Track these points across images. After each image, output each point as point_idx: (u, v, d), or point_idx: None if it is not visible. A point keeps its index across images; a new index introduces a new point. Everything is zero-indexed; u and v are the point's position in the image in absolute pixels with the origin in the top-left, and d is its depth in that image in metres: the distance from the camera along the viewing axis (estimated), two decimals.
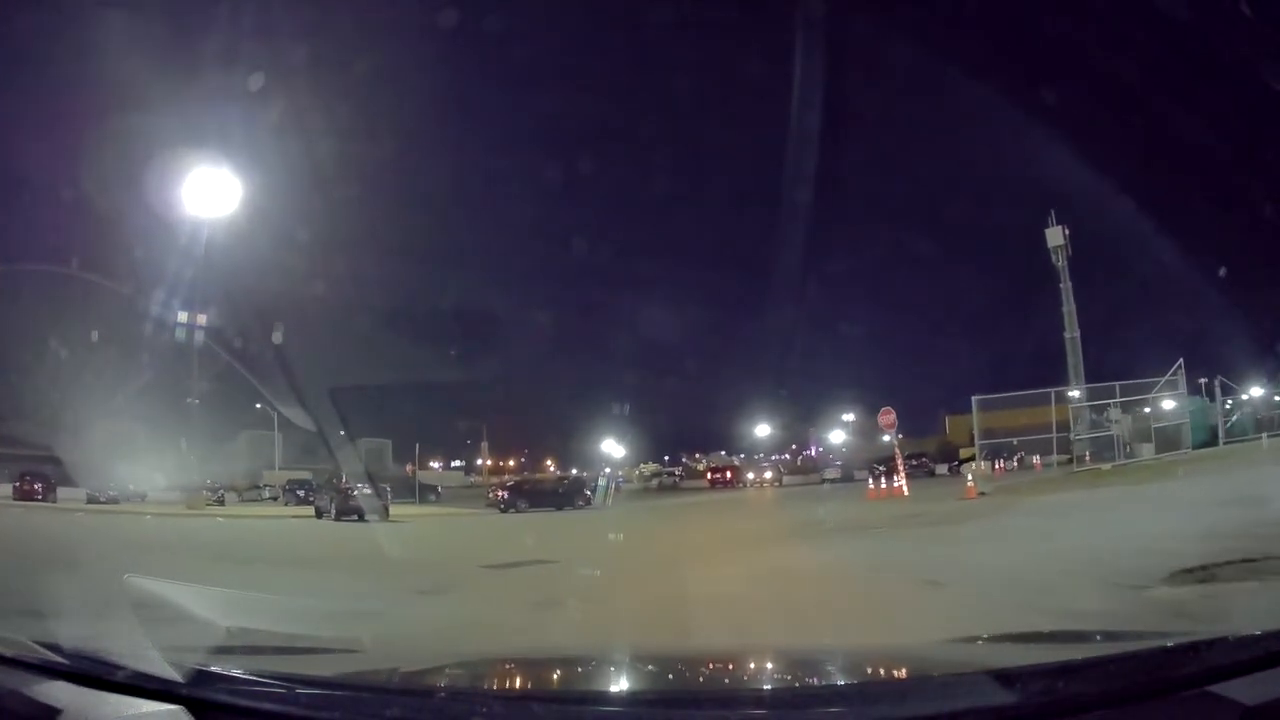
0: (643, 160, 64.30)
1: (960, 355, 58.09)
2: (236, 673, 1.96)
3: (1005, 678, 1.87)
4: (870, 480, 26.74)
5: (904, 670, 2.58)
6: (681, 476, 57.04)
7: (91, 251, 29.63)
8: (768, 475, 50.40)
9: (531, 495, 29.62)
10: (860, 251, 64.64)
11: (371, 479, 28.67)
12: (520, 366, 57.15)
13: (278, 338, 25.40)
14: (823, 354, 61.79)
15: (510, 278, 68.75)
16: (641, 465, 57.89)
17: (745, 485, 48.31)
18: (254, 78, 22.64)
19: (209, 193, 27.82)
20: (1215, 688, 1.78)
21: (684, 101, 53.34)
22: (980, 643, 3.11)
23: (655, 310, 66.52)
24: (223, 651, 2.56)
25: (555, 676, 2.74)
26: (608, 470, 51.16)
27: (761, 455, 59.43)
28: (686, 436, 64.35)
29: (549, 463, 62.11)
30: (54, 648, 1.99)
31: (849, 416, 59.16)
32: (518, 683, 2.60)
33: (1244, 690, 1.77)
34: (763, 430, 59.83)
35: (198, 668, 1.93)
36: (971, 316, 65.75)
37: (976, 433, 25.50)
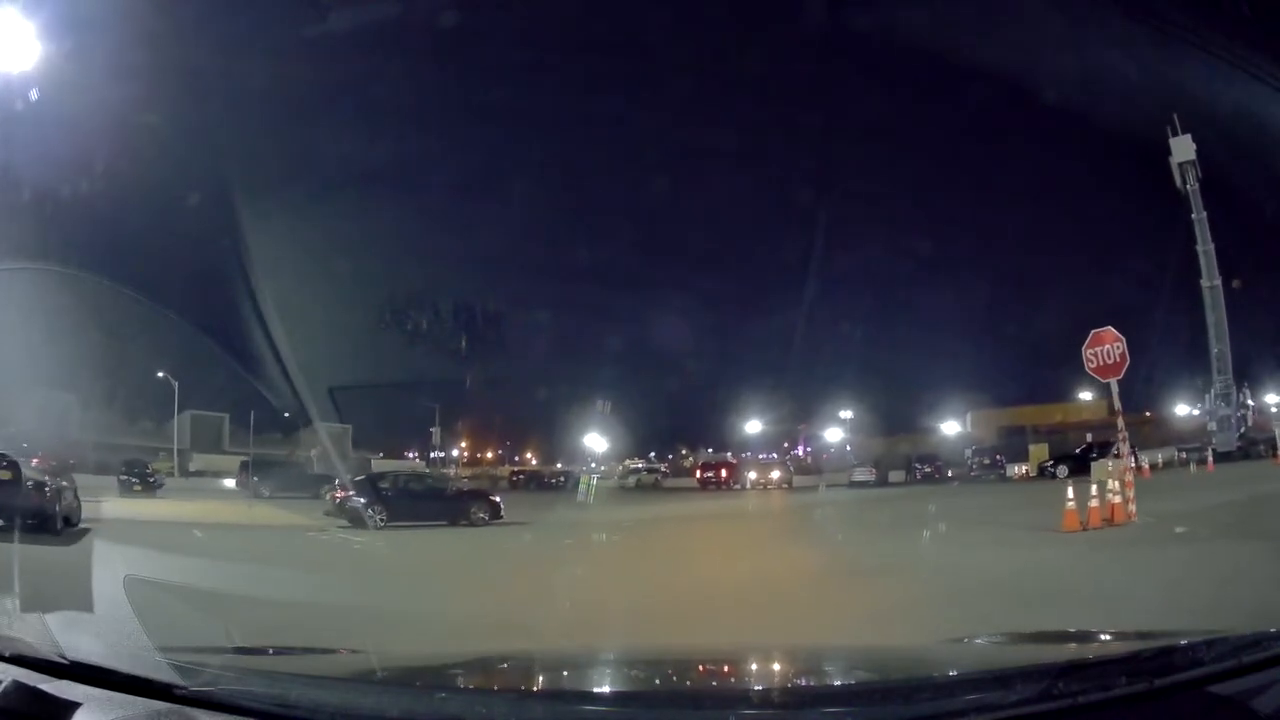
0: (626, 152, 59.29)
1: (977, 348, 48.24)
2: (236, 673, 2.00)
3: (1005, 678, 1.85)
4: (1068, 487, 13.46)
5: (905, 670, 2.52)
6: (665, 474, 49.17)
7: None
8: (774, 476, 40.46)
9: (398, 503, 19.01)
10: (860, 237, 56.20)
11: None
12: (502, 357, 50.24)
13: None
14: (817, 347, 52.23)
15: (492, 263, 60.93)
16: (626, 461, 51.67)
17: (744, 487, 39.09)
18: None
19: None
20: (1215, 688, 1.75)
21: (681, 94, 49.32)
22: (980, 643, 2.96)
23: (644, 304, 61.38)
24: (223, 651, 2.48)
25: (555, 676, 2.61)
26: (591, 465, 45.84)
27: (750, 453, 51.98)
28: (674, 432, 57.79)
29: (529, 455, 57.37)
30: (54, 647, 2.00)
31: (847, 413, 50.80)
32: (517, 682, 2.51)
33: (1243, 690, 1.73)
34: (754, 427, 52.64)
35: (197, 667, 1.94)
36: (988, 305, 55.24)
37: None
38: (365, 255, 47.19)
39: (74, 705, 1.80)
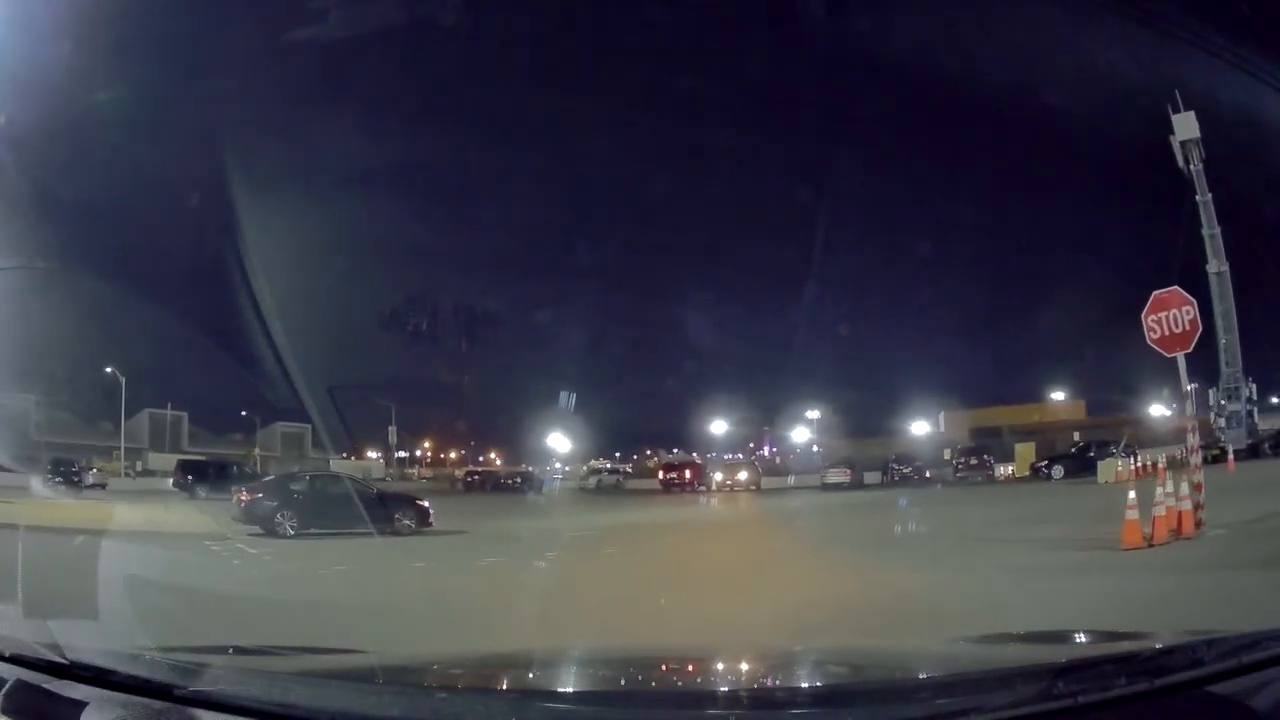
0: (604, 156, 58.91)
1: (949, 349, 51.92)
2: (236, 673, 1.98)
3: (1005, 678, 1.83)
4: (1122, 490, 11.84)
5: (904, 670, 2.51)
6: (628, 475, 47.41)
7: None
8: (742, 477, 38.64)
9: (312, 507, 16.48)
10: (831, 239, 54.30)
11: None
12: (469, 357, 50.42)
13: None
14: (784, 348, 57.29)
15: (463, 264, 64.12)
16: (591, 461, 51.12)
17: (710, 488, 37.14)
18: None
19: None
20: (1214, 688, 1.71)
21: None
22: (980, 643, 2.93)
23: (611, 305, 62.05)
24: (223, 651, 2.39)
25: (556, 676, 2.60)
26: (554, 465, 45.67)
27: (715, 454, 50.88)
28: (640, 433, 57.34)
29: (494, 456, 56.82)
30: (54, 647, 1.95)
31: (814, 414, 50.18)
32: (516, 682, 2.44)
33: (1243, 690, 1.69)
34: (719, 427, 51.88)
35: (197, 667, 1.92)
36: (962, 306, 56.38)
37: None
38: (339, 255, 47.12)
39: (81, 705, 1.80)
